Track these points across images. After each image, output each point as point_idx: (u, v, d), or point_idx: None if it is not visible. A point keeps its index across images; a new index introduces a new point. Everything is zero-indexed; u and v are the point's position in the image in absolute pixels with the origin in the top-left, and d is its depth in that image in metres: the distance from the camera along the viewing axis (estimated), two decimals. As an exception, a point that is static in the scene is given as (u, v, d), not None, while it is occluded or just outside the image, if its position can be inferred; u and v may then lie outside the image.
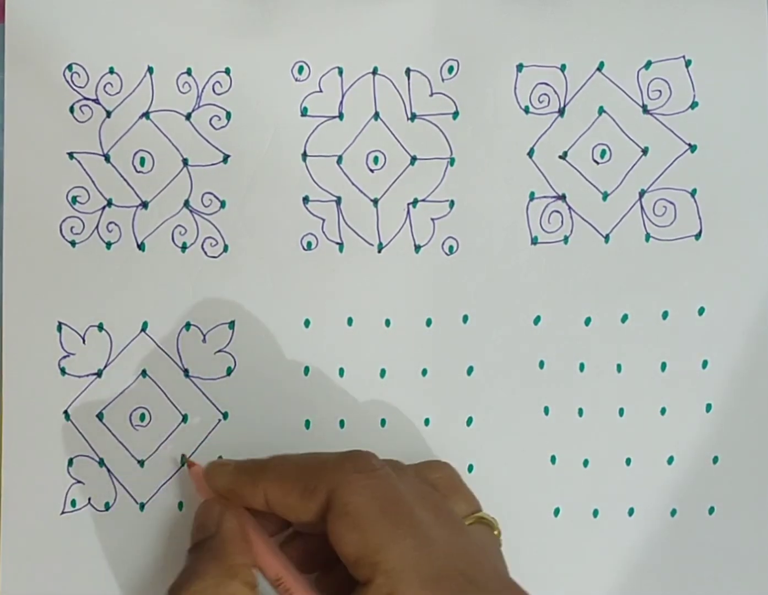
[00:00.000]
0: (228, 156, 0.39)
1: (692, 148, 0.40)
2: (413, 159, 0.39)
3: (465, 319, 0.39)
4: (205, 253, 0.39)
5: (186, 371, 0.38)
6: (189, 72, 0.38)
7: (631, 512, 0.40)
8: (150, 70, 0.38)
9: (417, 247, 0.39)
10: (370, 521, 0.29)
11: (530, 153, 0.39)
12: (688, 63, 0.39)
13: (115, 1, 0.38)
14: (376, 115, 0.39)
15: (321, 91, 0.39)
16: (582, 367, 0.40)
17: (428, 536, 0.30)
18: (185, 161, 0.38)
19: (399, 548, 0.29)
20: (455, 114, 0.39)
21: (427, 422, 0.39)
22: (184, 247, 0.39)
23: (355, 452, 0.32)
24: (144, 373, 0.38)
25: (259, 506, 0.32)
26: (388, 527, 0.29)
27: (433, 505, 0.32)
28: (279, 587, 0.32)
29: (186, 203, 0.39)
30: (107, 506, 0.38)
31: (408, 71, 0.39)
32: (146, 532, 0.38)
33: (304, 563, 0.34)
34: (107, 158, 0.38)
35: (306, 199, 0.39)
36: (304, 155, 0.39)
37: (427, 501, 0.32)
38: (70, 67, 0.38)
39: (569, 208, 0.40)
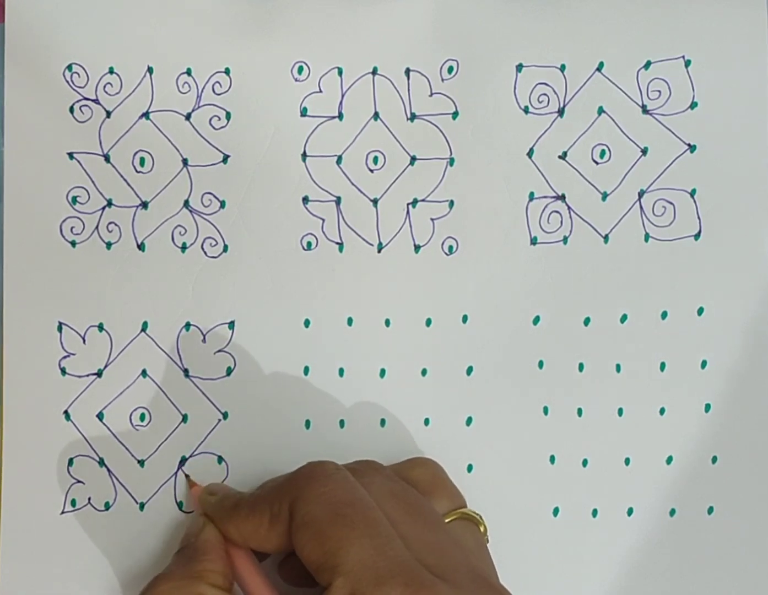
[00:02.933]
0: (228, 156, 0.39)
1: (692, 148, 0.40)
2: (413, 159, 0.39)
3: (465, 319, 0.39)
4: (205, 253, 0.39)
5: (186, 371, 0.38)
6: (189, 72, 0.38)
7: (630, 511, 0.40)
8: (150, 70, 0.38)
9: (417, 247, 0.39)
10: (327, 526, 0.30)
11: (530, 153, 0.39)
12: (687, 63, 0.39)
13: (115, 1, 0.38)
14: (376, 116, 0.39)
15: (321, 91, 0.39)
16: (581, 367, 0.40)
17: (389, 534, 0.30)
18: (185, 161, 0.38)
19: (355, 548, 0.29)
20: (455, 114, 0.39)
21: (426, 421, 0.39)
22: (183, 248, 0.39)
23: (309, 465, 0.32)
24: (144, 373, 0.38)
25: (236, 541, 0.33)
26: (344, 529, 0.29)
27: (405, 502, 0.32)
28: None
29: (186, 203, 0.39)
30: (107, 506, 0.38)
31: (408, 71, 0.39)
32: (146, 532, 0.38)
33: (300, 579, 0.34)
34: (107, 158, 0.38)
35: (306, 199, 0.39)
36: (304, 155, 0.39)
37: (398, 499, 0.32)
38: (70, 67, 0.38)
39: (569, 208, 0.40)
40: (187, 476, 0.38)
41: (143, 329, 0.38)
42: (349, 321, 0.39)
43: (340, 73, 0.39)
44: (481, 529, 0.35)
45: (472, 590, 0.30)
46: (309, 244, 0.39)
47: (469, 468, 0.39)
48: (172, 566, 0.33)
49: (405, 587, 0.28)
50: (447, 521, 0.34)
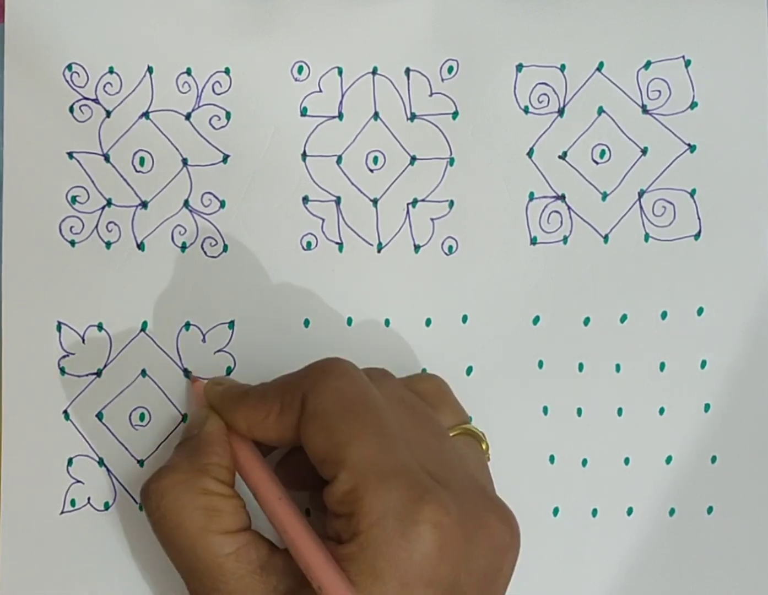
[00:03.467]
0: (228, 156, 0.39)
1: (692, 148, 0.40)
2: (413, 159, 0.39)
3: (464, 319, 0.39)
4: (205, 253, 0.39)
5: (186, 371, 0.38)
6: (189, 72, 0.38)
7: (629, 511, 0.40)
8: (150, 70, 0.38)
9: (416, 247, 0.39)
10: (336, 420, 0.30)
11: (530, 153, 0.39)
12: (687, 63, 0.39)
13: (115, 1, 0.38)
14: (376, 115, 0.39)
15: (321, 91, 0.39)
16: (581, 367, 0.40)
17: (396, 436, 0.30)
18: (185, 161, 0.38)
19: (363, 445, 0.29)
20: (455, 114, 0.39)
21: (426, 421, 0.39)
22: (183, 247, 0.39)
23: (326, 359, 0.32)
24: (144, 372, 0.38)
25: (241, 430, 0.33)
26: (354, 425, 0.30)
27: (413, 410, 0.32)
28: (256, 495, 0.32)
29: (186, 203, 0.39)
30: (107, 506, 0.38)
31: (407, 71, 0.39)
32: (146, 532, 0.38)
33: (297, 481, 0.34)
34: (107, 158, 0.38)
35: (306, 199, 0.39)
36: (304, 155, 0.39)
37: (406, 406, 0.32)
38: (69, 66, 0.38)
39: (569, 208, 0.40)
40: (189, 372, 0.38)
41: (143, 329, 0.38)
42: (349, 321, 0.39)
43: (340, 73, 0.39)
44: (483, 446, 0.35)
45: (470, 499, 0.30)
46: (309, 244, 0.39)
47: (469, 468, 0.39)
48: (175, 459, 0.33)
49: (406, 489, 0.28)
50: (451, 435, 0.34)
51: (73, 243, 0.38)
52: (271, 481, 0.32)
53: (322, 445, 0.30)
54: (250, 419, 0.32)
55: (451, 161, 0.39)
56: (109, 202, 0.38)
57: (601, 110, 0.39)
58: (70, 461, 0.38)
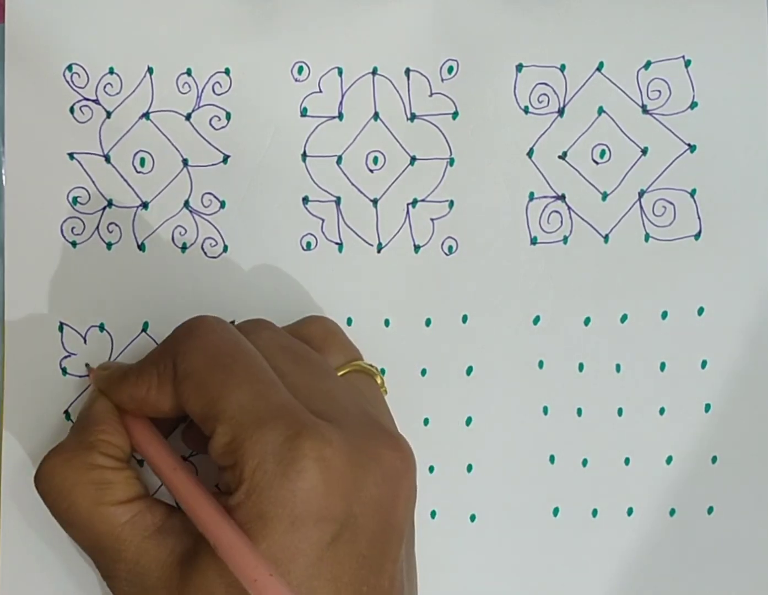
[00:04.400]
0: (228, 156, 0.39)
1: (692, 148, 0.40)
2: (413, 159, 0.39)
3: (464, 319, 0.39)
4: (205, 253, 0.39)
5: (86, 364, 0.38)
6: (189, 72, 0.38)
7: (630, 511, 0.40)
8: (150, 70, 0.38)
9: (416, 248, 0.39)
10: (207, 375, 0.30)
11: (530, 153, 0.39)
12: (687, 63, 0.39)
13: (115, 1, 0.38)
14: (376, 116, 0.39)
15: (321, 91, 0.39)
16: (581, 367, 0.40)
17: (272, 381, 0.30)
18: (185, 162, 0.39)
19: (235, 394, 0.29)
20: (455, 114, 0.39)
21: (426, 421, 0.39)
22: (184, 248, 0.39)
23: (189, 320, 0.32)
24: (144, 373, 0.38)
25: (131, 408, 0.33)
26: (223, 377, 0.30)
27: (293, 354, 0.32)
28: (154, 470, 0.32)
29: (186, 204, 0.39)
30: (108, 506, 0.38)
31: (407, 71, 0.39)
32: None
33: (202, 445, 0.34)
34: (107, 159, 0.38)
35: (305, 200, 0.39)
36: (304, 155, 0.39)
37: (286, 352, 0.32)
38: (70, 67, 0.38)
39: (569, 208, 0.40)
40: (87, 365, 0.38)
41: (144, 329, 0.38)
42: (349, 321, 0.39)
43: (340, 73, 0.39)
44: (378, 380, 0.35)
45: (359, 432, 0.30)
46: (309, 244, 0.39)
47: (469, 468, 0.39)
48: (63, 440, 0.33)
49: (286, 428, 0.28)
50: (340, 374, 0.34)
51: (74, 244, 0.38)
52: (166, 453, 0.32)
53: (197, 404, 0.30)
54: (134, 397, 0.32)
55: (451, 161, 0.39)
56: (109, 203, 0.38)
57: (601, 110, 0.39)
58: (71, 461, 0.38)
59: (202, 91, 0.38)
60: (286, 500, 0.28)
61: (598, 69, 0.39)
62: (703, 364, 0.40)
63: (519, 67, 0.39)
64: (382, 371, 0.39)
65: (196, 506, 0.30)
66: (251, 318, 0.35)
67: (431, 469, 0.39)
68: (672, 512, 0.40)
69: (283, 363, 0.32)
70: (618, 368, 0.40)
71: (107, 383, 0.34)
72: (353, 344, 0.36)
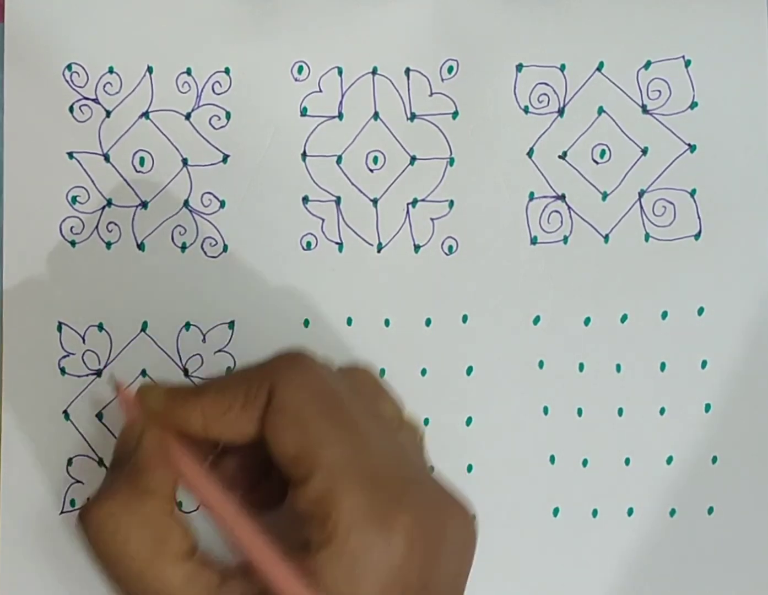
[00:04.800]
0: (228, 156, 0.39)
1: (692, 148, 0.40)
2: (413, 159, 0.39)
3: (464, 319, 0.39)
4: (205, 253, 0.39)
5: (186, 371, 0.38)
6: (188, 72, 0.38)
7: (630, 511, 0.40)
8: (150, 69, 0.38)
9: (416, 247, 0.39)
10: (311, 417, 0.29)
11: (530, 153, 0.39)
12: (687, 63, 0.39)
13: (115, 1, 0.38)
14: (376, 115, 0.39)
15: (321, 91, 0.39)
16: (581, 367, 0.40)
17: (364, 436, 0.29)
18: (185, 161, 0.38)
19: (340, 445, 0.28)
20: (455, 114, 0.39)
21: (426, 421, 0.39)
22: (183, 247, 0.39)
23: (291, 351, 0.31)
24: (144, 373, 0.38)
25: (195, 429, 0.30)
26: (329, 424, 0.28)
27: (364, 406, 0.31)
28: (205, 508, 0.30)
29: (185, 203, 0.39)
30: (107, 506, 0.38)
31: (407, 71, 0.39)
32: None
33: (232, 482, 0.32)
34: (107, 158, 0.38)
35: (305, 199, 0.39)
36: (304, 155, 0.39)
37: (359, 402, 0.31)
38: (69, 66, 0.38)
39: (569, 208, 0.40)
40: (111, 375, 0.36)
41: (143, 329, 0.38)
42: (349, 321, 0.39)
43: (340, 72, 0.39)
44: (420, 434, 0.34)
45: (436, 501, 0.29)
46: (309, 244, 0.39)
47: (469, 468, 0.39)
48: (113, 482, 0.30)
49: (384, 492, 0.28)
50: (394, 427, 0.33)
51: (73, 243, 0.38)
52: (224, 496, 0.30)
53: (294, 442, 0.28)
54: (208, 413, 0.30)
55: (451, 161, 0.39)
56: (109, 203, 0.38)
57: (601, 110, 0.39)
58: (69, 461, 0.38)
59: (202, 90, 0.38)
60: (380, 565, 0.27)
61: (598, 69, 0.39)
62: (703, 364, 0.40)
63: (519, 67, 0.39)
64: (382, 371, 0.39)
65: (274, 569, 0.28)
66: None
67: (431, 469, 0.39)
68: (672, 512, 0.40)
69: (359, 410, 0.30)
70: (618, 368, 0.40)
71: (168, 398, 0.31)
72: (397, 395, 0.35)
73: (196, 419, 0.30)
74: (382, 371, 0.39)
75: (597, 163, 0.40)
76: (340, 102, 0.39)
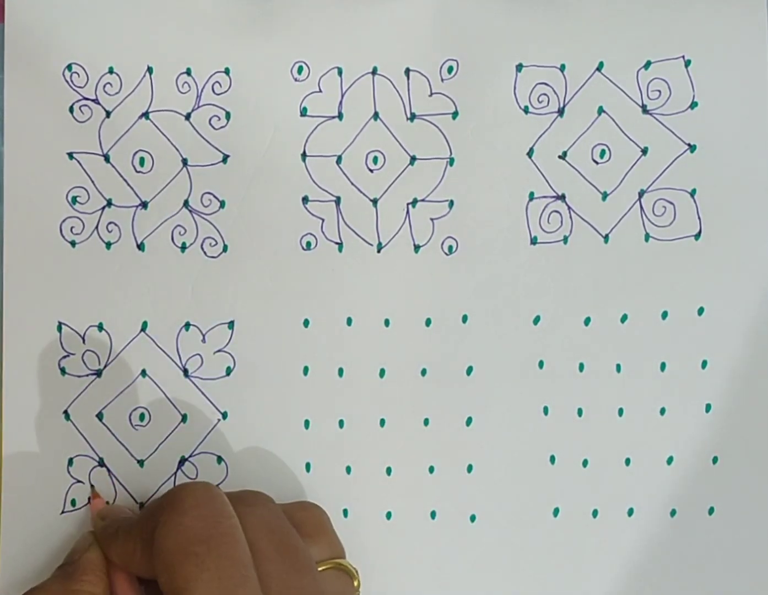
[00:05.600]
0: (227, 156, 0.39)
1: (692, 148, 0.40)
2: (413, 159, 0.39)
3: (464, 319, 0.39)
4: (205, 253, 0.39)
5: (185, 371, 0.38)
6: (188, 72, 0.38)
7: (630, 512, 0.40)
8: (149, 70, 0.38)
9: (416, 247, 0.39)
10: (176, 562, 0.29)
11: (530, 153, 0.39)
12: (687, 63, 0.39)
13: (115, 1, 0.38)
14: (376, 115, 0.39)
15: (320, 91, 0.39)
16: (581, 367, 0.40)
17: (242, 575, 0.29)
18: (185, 161, 0.38)
19: (201, 589, 0.29)
20: (455, 114, 0.39)
21: (426, 421, 0.39)
22: (183, 248, 0.39)
23: (177, 489, 0.31)
24: (144, 373, 0.38)
25: (121, 567, 0.33)
26: (192, 569, 0.29)
27: (280, 541, 0.32)
28: None
29: (185, 203, 0.39)
30: (107, 506, 0.38)
31: (407, 71, 0.39)
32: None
33: None
34: (107, 158, 0.38)
35: (305, 199, 0.39)
36: (304, 155, 0.39)
37: (273, 535, 0.32)
38: (69, 67, 0.38)
39: (569, 208, 0.40)
40: (92, 486, 0.38)
41: (143, 329, 0.38)
42: (349, 321, 0.39)
43: (340, 73, 0.39)
44: (355, 583, 0.35)
45: None
46: (308, 244, 0.39)
47: (469, 468, 0.39)
48: (49, 581, 0.33)
49: None
50: (321, 569, 0.33)
51: (73, 243, 0.38)
52: None
53: (166, 586, 0.29)
54: (121, 556, 0.32)
55: (451, 161, 0.39)
56: (109, 203, 0.38)
57: (601, 110, 0.39)
58: (70, 461, 0.38)
59: (202, 90, 0.38)
60: None
61: (598, 69, 0.39)
62: (704, 364, 0.40)
63: (519, 67, 0.39)
64: (382, 372, 0.39)
65: None
66: (252, 490, 0.34)
67: (431, 469, 0.39)
68: (673, 512, 0.40)
69: (267, 547, 0.31)
70: (618, 368, 0.40)
71: (101, 535, 0.34)
72: (340, 541, 0.35)
73: (115, 559, 0.33)
74: (382, 371, 0.39)
75: (597, 163, 0.40)
76: (340, 102, 0.39)
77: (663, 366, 0.40)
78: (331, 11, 0.39)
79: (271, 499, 0.34)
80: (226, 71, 0.38)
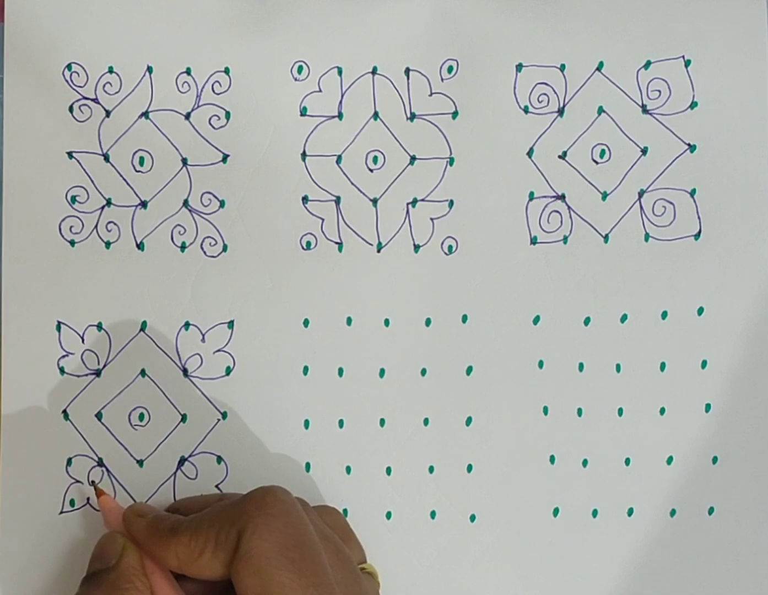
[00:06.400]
0: (227, 156, 0.39)
1: (692, 148, 0.40)
2: (412, 159, 0.39)
3: (464, 319, 0.39)
4: (204, 252, 0.39)
5: (185, 371, 0.38)
6: (188, 72, 0.38)
7: (630, 512, 0.40)
8: (149, 69, 0.38)
9: (416, 247, 0.39)
10: (273, 566, 0.29)
11: (530, 153, 0.39)
12: (687, 63, 0.39)
13: (115, 1, 0.38)
14: (376, 115, 0.39)
15: (320, 90, 0.39)
16: (581, 367, 0.40)
17: (330, 584, 0.29)
18: (184, 161, 0.38)
19: (300, 594, 0.28)
20: (454, 114, 0.39)
21: (426, 421, 0.39)
22: (183, 247, 0.39)
23: (260, 492, 0.31)
24: (143, 372, 0.38)
25: (171, 567, 0.31)
26: (292, 574, 0.29)
27: (334, 547, 0.32)
28: None
29: (185, 203, 0.39)
30: (106, 506, 0.38)
31: (407, 71, 0.39)
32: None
33: None
34: (106, 158, 0.38)
35: (305, 199, 0.39)
36: (304, 155, 0.39)
37: (328, 542, 0.32)
38: (69, 66, 0.38)
39: (569, 208, 0.40)
40: (93, 482, 0.37)
41: (142, 329, 0.38)
42: (349, 321, 0.39)
43: (340, 72, 0.39)
44: (378, 580, 0.35)
45: None
46: (308, 243, 0.39)
47: (469, 468, 0.39)
48: (92, 590, 0.31)
49: None
50: None
51: (72, 243, 0.38)
52: None
53: (253, 590, 0.29)
54: (182, 556, 0.31)
55: (451, 161, 0.39)
56: (108, 202, 0.38)
57: (601, 110, 0.39)
58: (69, 461, 0.38)
59: (202, 90, 0.38)
60: None
61: (598, 69, 0.39)
62: (703, 364, 0.40)
63: (519, 67, 0.39)
64: (382, 371, 0.39)
65: None
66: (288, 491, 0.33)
67: (431, 469, 0.39)
68: (672, 512, 0.40)
69: (330, 555, 0.31)
70: (618, 368, 0.40)
71: (147, 535, 0.32)
72: (360, 543, 0.36)
73: (171, 561, 0.31)
74: (382, 371, 0.39)
75: (597, 163, 0.40)
76: (340, 102, 0.39)
77: (663, 366, 0.40)
78: (331, 11, 0.39)
79: (307, 503, 0.34)
80: (226, 71, 0.38)
